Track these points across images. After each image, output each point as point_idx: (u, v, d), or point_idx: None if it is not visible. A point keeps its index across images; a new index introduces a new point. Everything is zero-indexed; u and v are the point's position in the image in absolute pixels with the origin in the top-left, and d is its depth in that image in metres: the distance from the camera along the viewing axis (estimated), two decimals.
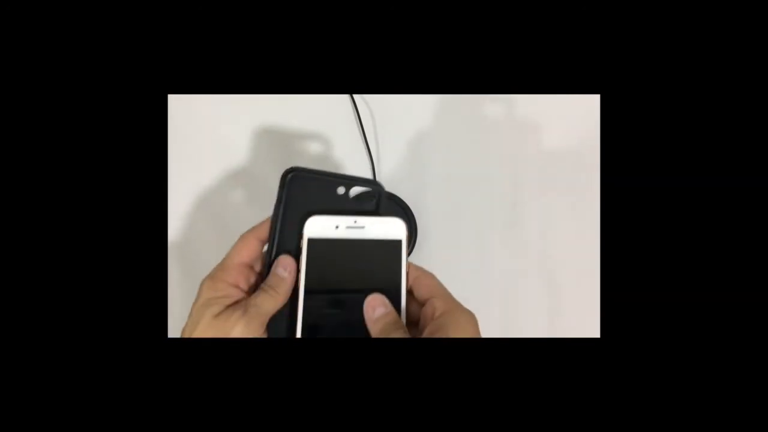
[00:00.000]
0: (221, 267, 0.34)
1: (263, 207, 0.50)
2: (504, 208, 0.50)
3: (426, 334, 0.31)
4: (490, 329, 0.48)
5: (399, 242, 0.34)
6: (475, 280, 0.49)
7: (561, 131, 0.51)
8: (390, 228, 0.34)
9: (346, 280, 0.34)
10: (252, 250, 0.34)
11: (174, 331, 0.46)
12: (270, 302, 0.32)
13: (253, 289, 0.34)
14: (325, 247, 0.34)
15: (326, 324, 0.33)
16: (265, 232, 0.35)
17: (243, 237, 0.35)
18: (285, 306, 0.33)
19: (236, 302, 0.32)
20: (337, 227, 0.34)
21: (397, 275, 0.34)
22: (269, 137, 0.51)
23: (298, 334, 0.33)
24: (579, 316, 0.48)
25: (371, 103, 0.51)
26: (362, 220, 0.34)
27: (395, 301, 0.33)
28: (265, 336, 0.32)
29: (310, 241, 0.34)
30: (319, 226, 0.34)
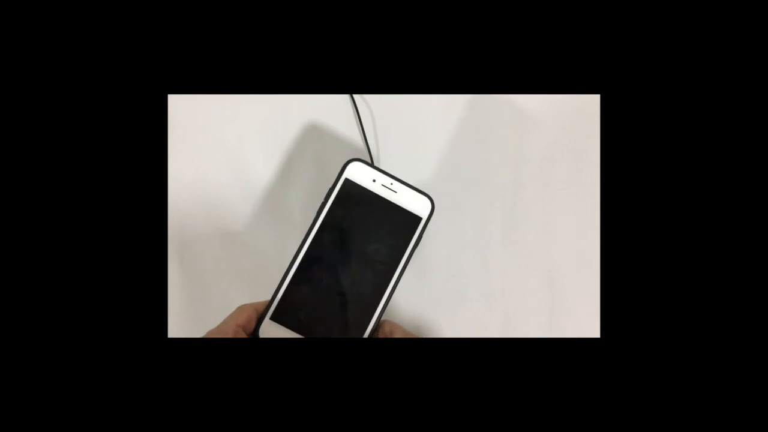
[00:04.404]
0: (219, 330, 0.35)
1: (262, 206, 0.50)
2: (504, 208, 0.50)
3: None
4: (490, 329, 0.49)
5: (419, 219, 0.36)
6: (475, 280, 0.49)
7: (561, 131, 0.51)
8: (417, 203, 0.36)
9: (360, 229, 0.35)
10: (247, 318, 0.36)
11: (174, 331, 0.47)
12: None
13: None
14: (356, 193, 0.36)
15: (328, 259, 0.35)
16: (262, 306, 0.37)
17: (241, 307, 0.36)
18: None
19: None
20: (374, 181, 0.36)
21: (403, 245, 0.35)
22: (269, 137, 0.51)
23: (298, 262, 0.35)
24: (579, 316, 0.48)
25: (371, 103, 0.51)
26: (398, 185, 0.36)
27: (390, 271, 0.35)
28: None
29: (346, 180, 0.36)
30: (359, 172, 0.36)
